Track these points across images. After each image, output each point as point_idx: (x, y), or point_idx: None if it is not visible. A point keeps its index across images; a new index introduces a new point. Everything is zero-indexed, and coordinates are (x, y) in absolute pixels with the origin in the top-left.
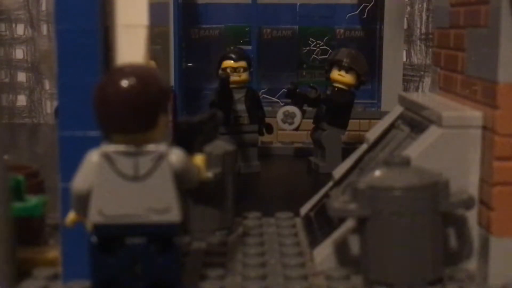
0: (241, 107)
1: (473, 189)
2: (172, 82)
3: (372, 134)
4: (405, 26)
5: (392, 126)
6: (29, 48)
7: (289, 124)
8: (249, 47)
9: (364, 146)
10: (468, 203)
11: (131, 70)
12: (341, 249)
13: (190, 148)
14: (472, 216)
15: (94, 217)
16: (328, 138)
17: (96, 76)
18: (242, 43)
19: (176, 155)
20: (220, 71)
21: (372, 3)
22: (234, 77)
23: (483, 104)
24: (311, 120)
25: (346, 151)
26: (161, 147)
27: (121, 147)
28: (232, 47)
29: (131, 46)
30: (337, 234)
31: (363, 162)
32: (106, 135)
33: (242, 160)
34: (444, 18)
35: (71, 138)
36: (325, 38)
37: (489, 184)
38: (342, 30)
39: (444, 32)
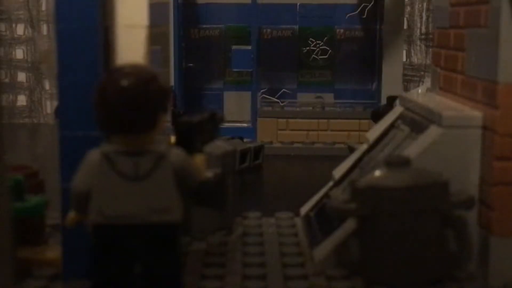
0: None
1: (473, 189)
2: (172, 82)
3: (372, 134)
4: (405, 26)
5: (392, 126)
6: (29, 48)
7: None
8: (249, 47)
9: (364, 146)
10: (468, 203)
11: (131, 70)
12: (341, 249)
13: (190, 148)
14: (472, 216)
15: (94, 217)
16: None
17: (96, 76)
18: (242, 43)
19: (176, 155)
20: None
21: (372, 3)
22: None
23: (483, 104)
24: (311, 120)
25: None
26: (161, 147)
27: (121, 147)
28: None
29: (131, 46)
30: (337, 234)
31: (363, 162)
32: (106, 135)
33: None
34: (444, 18)
35: (72, 138)
36: (325, 38)
37: (489, 184)
38: (342, 30)
39: (444, 32)
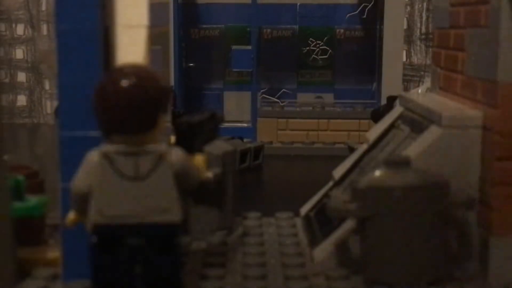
0: None
1: (473, 189)
2: (172, 82)
3: (372, 134)
4: (405, 26)
5: (392, 126)
6: (29, 48)
7: None
8: (249, 47)
9: (364, 146)
10: (468, 203)
11: (131, 70)
12: (341, 249)
13: (190, 148)
14: (472, 216)
15: (94, 217)
16: None
17: (96, 76)
18: (242, 43)
19: (176, 155)
20: None
21: (372, 3)
22: None
23: (483, 104)
24: (311, 120)
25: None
26: (161, 147)
27: (121, 147)
28: None
29: (131, 46)
30: (337, 234)
31: (363, 162)
32: (106, 135)
33: None
34: (444, 18)
35: (71, 138)
36: (325, 38)
37: (489, 184)
38: (342, 30)
39: (444, 32)
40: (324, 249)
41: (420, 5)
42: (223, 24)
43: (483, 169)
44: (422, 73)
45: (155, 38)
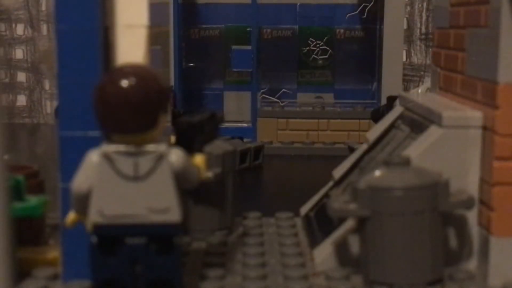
0: None
1: (473, 189)
2: (172, 82)
3: (372, 134)
4: (405, 26)
5: (392, 126)
6: (29, 48)
7: None
8: (249, 47)
9: (364, 146)
10: (468, 203)
11: (131, 70)
12: (341, 249)
13: (190, 148)
14: (472, 216)
15: (94, 217)
16: None
17: (96, 76)
18: (242, 43)
19: (176, 155)
20: None
21: (372, 3)
22: None
23: (483, 104)
24: (311, 120)
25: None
26: (161, 147)
27: (121, 147)
28: None
29: (131, 46)
30: (337, 234)
31: (363, 162)
32: (106, 135)
33: None
34: (444, 18)
35: (71, 138)
36: (325, 38)
37: (489, 184)
38: (342, 30)
39: (444, 32)
40: (324, 249)
41: (420, 5)
42: (223, 24)
43: (483, 169)
44: (422, 73)
45: (155, 38)
